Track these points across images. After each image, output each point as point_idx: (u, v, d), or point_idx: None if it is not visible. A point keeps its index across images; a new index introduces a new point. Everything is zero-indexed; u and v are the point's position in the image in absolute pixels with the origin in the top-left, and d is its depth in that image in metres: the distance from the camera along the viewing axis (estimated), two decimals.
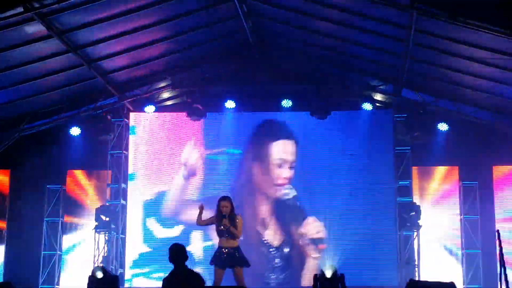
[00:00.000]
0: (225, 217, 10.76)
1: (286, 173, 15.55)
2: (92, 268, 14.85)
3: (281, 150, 15.66)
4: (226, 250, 10.79)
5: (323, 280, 8.54)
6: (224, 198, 11.03)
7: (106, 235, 15.54)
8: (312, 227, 15.24)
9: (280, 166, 15.59)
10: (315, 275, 8.62)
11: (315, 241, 15.22)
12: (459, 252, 15.19)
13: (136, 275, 15.44)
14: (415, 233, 15.13)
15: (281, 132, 15.71)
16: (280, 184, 15.51)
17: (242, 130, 15.84)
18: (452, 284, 9.12)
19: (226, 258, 10.77)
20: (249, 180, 15.66)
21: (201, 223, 11.09)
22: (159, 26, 13.44)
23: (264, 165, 15.63)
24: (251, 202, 15.46)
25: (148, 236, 15.54)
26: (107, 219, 15.29)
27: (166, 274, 8.10)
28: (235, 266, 10.82)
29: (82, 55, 13.65)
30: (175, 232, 15.46)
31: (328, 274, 8.84)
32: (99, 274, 11.13)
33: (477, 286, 14.91)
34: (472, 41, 12.25)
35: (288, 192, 15.45)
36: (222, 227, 10.79)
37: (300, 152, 15.62)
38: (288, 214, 15.42)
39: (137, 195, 15.74)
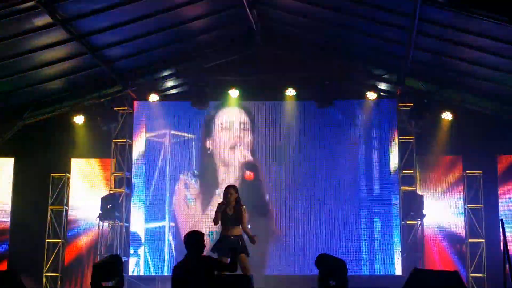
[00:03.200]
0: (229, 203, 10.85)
1: (236, 132, 15.73)
2: (97, 256, 15.05)
3: (226, 115, 15.86)
4: (230, 238, 10.80)
5: (323, 269, 8.51)
6: (230, 186, 11.12)
7: (110, 223, 15.58)
8: None
9: (229, 129, 15.75)
10: (317, 260, 8.59)
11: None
12: (463, 241, 15.19)
13: (140, 263, 15.50)
14: (419, 222, 15.14)
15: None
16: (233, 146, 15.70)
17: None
18: (456, 273, 9.11)
19: (230, 246, 10.75)
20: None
21: (216, 222, 11.04)
22: (163, 15, 13.42)
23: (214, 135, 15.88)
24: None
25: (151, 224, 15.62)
26: (111, 207, 15.32)
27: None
28: (240, 255, 10.81)
29: (86, 44, 13.64)
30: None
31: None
32: None
33: (480, 275, 14.91)
34: (476, 30, 12.22)
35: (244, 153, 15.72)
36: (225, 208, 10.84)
37: (303, 141, 15.63)
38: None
39: (141, 183, 15.79)
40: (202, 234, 7.96)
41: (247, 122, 15.82)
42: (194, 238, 7.88)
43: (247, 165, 15.63)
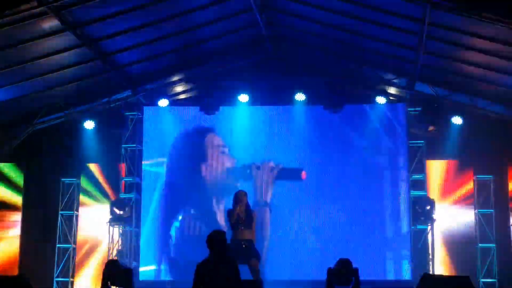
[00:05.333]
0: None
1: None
2: (106, 262, 15.04)
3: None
4: (242, 242, 10.81)
5: (337, 274, 8.52)
6: (240, 191, 11.17)
7: (120, 228, 15.60)
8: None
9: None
10: (329, 268, 8.61)
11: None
12: (474, 246, 15.13)
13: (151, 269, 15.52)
14: (429, 227, 15.10)
15: None
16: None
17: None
18: (466, 278, 9.09)
19: (242, 251, 10.78)
20: None
21: (232, 219, 11.07)
22: (173, 20, 13.45)
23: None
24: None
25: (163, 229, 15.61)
26: (121, 212, 15.35)
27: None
28: (251, 259, 10.82)
29: (96, 49, 13.69)
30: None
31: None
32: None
33: (491, 280, 14.86)
34: (486, 34, 12.19)
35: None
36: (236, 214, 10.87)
37: (312, 145, 15.61)
38: None
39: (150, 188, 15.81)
40: (224, 233, 8.06)
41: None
42: (217, 237, 7.95)
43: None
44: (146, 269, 15.37)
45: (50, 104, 15.66)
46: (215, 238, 7.93)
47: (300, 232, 15.35)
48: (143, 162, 15.80)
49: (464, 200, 15.40)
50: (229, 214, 11.09)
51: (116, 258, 14.97)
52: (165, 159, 15.77)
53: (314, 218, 15.35)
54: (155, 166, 15.76)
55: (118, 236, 15.63)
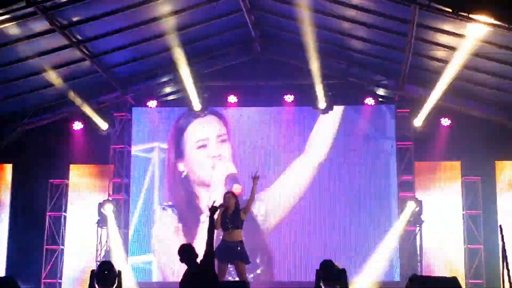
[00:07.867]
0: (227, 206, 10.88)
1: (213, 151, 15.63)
2: (95, 263, 15.00)
3: (198, 131, 15.74)
4: (229, 243, 10.81)
5: (325, 275, 8.52)
6: (228, 191, 11.21)
7: (109, 229, 15.55)
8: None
9: (204, 146, 15.66)
10: (317, 270, 8.61)
11: None
12: (461, 248, 15.17)
13: (139, 270, 15.48)
14: (418, 228, 15.12)
15: None
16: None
17: None
18: (454, 279, 9.10)
19: (228, 252, 10.77)
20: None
21: (217, 227, 11.05)
22: (162, 21, 13.42)
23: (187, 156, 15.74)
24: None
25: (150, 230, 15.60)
26: (110, 213, 15.30)
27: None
28: (237, 261, 10.82)
29: (85, 50, 13.65)
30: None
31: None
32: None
33: (479, 281, 14.90)
34: (475, 36, 12.21)
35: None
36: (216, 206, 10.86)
37: (302, 147, 15.61)
38: None
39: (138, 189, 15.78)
40: (189, 245, 8.22)
41: (224, 133, 15.80)
42: (183, 251, 8.05)
43: (233, 178, 15.56)
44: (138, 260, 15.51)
45: (39, 105, 15.61)
46: (180, 253, 8.03)
47: (290, 235, 15.34)
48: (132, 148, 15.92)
49: (452, 201, 15.42)
50: (218, 215, 11.06)
51: (104, 259, 14.93)
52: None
53: (303, 220, 15.35)
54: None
55: (106, 237, 15.57)
